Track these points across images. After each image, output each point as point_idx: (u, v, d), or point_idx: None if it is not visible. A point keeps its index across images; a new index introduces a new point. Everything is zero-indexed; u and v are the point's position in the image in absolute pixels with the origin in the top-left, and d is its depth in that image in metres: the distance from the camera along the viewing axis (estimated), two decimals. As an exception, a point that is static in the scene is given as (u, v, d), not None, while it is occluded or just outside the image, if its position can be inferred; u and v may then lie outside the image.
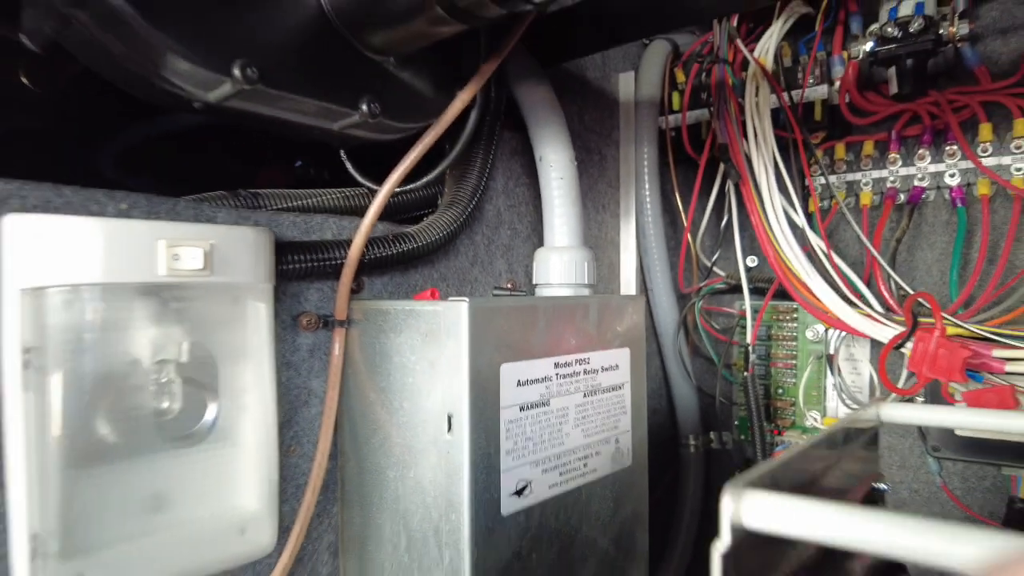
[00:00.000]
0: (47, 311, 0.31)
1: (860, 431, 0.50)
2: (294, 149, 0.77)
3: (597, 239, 0.72)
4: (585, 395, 0.47)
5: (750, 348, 0.69)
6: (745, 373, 0.68)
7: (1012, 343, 0.55)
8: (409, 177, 0.47)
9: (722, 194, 0.74)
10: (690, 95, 0.75)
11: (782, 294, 0.70)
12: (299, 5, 0.36)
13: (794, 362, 0.73)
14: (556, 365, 0.44)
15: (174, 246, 0.34)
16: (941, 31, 0.63)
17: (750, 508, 0.24)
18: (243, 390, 0.40)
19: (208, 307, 0.37)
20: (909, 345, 0.58)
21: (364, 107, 0.39)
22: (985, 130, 0.63)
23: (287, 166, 0.78)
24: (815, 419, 0.71)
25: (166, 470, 0.37)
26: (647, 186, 0.74)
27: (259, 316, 0.39)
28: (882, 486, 0.43)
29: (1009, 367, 0.55)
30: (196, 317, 0.36)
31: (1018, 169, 0.61)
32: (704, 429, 0.78)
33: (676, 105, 0.77)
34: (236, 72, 0.33)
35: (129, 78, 0.33)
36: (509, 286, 0.60)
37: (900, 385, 0.64)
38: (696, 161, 0.77)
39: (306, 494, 0.43)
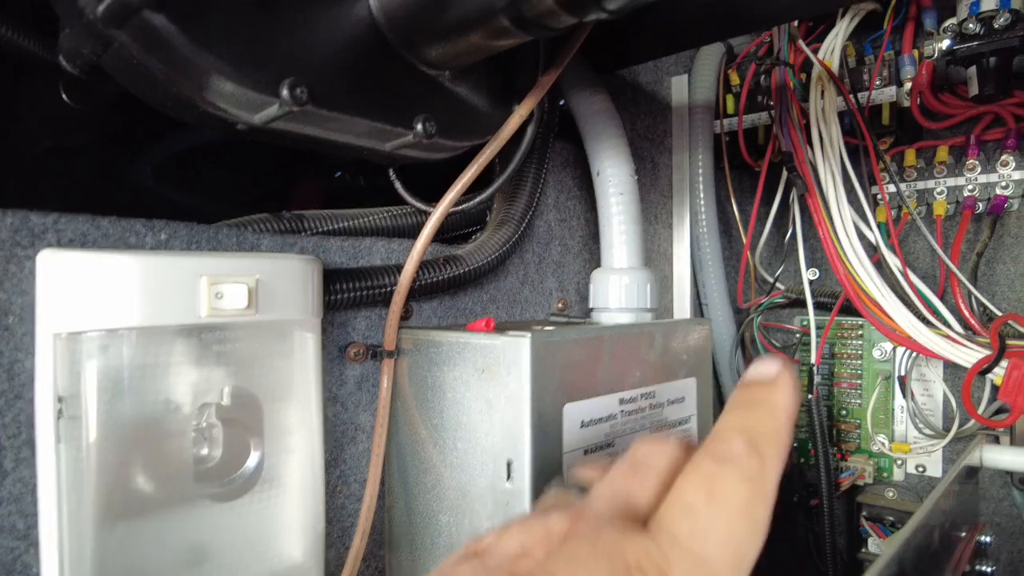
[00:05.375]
0: (82, 357, 0.29)
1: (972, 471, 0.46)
2: (332, 159, 0.75)
3: (648, 252, 0.69)
4: (651, 432, 0.43)
5: (815, 368, 0.65)
6: (810, 395, 0.64)
7: (1115, 370, 0.50)
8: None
9: (784, 204, 0.70)
10: (746, 99, 0.71)
11: (845, 309, 0.66)
12: (350, 18, 0.33)
13: (859, 382, 0.69)
14: (621, 401, 0.41)
15: (217, 283, 0.31)
16: (1029, 27, 0.58)
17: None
18: (288, 431, 0.37)
19: (252, 346, 0.34)
20: (997, 371, 0.53)
21: (419, 127, 0.36)
22: (1078, 135, 0.58)
23: (325, 176, 0.76)
24: (883, 443, 0.67)
25: (207, 521, 0.34)
26: (702, 195, 0.70)
27: (306, 351, 0.37)
28: (986, 539, 0.39)
29: (1111, 396, 0.50)
30: (239, 357, 0.34)
31: (1116, 177, 0.56)
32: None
33: (731, 109, 0.73)
34: (284, 93, 0.30)
35: (171, 101, 0.31)
36: (560, 305, 0.56)
37: (981, 412, 0.59)
38: (752, 168, 0.72)
39: (354, 540, 0.40)
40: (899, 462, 0.67)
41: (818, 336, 0.65)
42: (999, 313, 0.57)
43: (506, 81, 0.41)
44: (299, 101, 0.30)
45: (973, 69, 0.61)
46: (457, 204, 0.43)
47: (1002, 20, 0.57)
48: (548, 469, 0.36)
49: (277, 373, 0.36)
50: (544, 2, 0.29)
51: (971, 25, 0.59)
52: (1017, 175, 0.61)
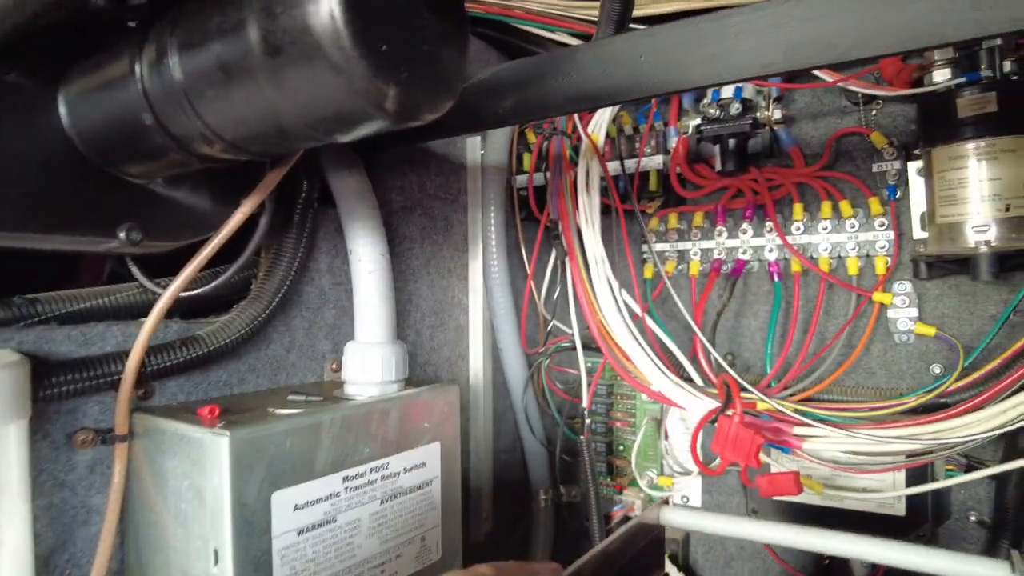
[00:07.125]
0: None
1: (648, 528, 0.52)
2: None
3: (442, 303, 0.73)
4: (383, 502, 0.47)
5: (585, 412, 0.71)
6: (581, 436, 0.70)
7: (808, 421, 0.58)
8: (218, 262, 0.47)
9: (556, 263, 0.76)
10: (536, 160, 0.76)
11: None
12: (37, 137, 0.35)
13: (632, 420, 0.76)
14: (345, 479, 0.44)
15: None
16: (758, 114, 0.66)
17: None
18: (-4, 526, 0.38)
19: (-59, 455, 0.35)
20: (720, 421, 0.61)
21: (122, 235, 0.38)
22: (798, 209, 0.66)
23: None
24: (652, 478, 0.74)
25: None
26: (494, 249, 0.75)
27: (8, 450, 0.38)
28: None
29: (807, 444, 0.59)
30: (-75, 467, 0.34)
31: (825, 249, 0.65)
32: (557, 483, 0.80)
33: (526, 166, 0.78)
34: (-47, 223, 0.31)
35: None
36: (334, 367, 0.59)
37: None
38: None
39: (77, 623, 0.42)
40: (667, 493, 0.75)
41: (590, 381, 0.72)
42: (727, 368, 0.65)
43: (233, 179, 0.43)
44: (-29, 230, 0.32)
45: (717, 147, 0.69)
46: (192, 289, 0.45)
47: (734, 109, 0.65)
48: (254, 553, 0.39)
49: (-24, 475, 0.37)
50: (212, 147, 0.32)
51: (711, 110, 0.67)
52: (754, 242, 0.69)
